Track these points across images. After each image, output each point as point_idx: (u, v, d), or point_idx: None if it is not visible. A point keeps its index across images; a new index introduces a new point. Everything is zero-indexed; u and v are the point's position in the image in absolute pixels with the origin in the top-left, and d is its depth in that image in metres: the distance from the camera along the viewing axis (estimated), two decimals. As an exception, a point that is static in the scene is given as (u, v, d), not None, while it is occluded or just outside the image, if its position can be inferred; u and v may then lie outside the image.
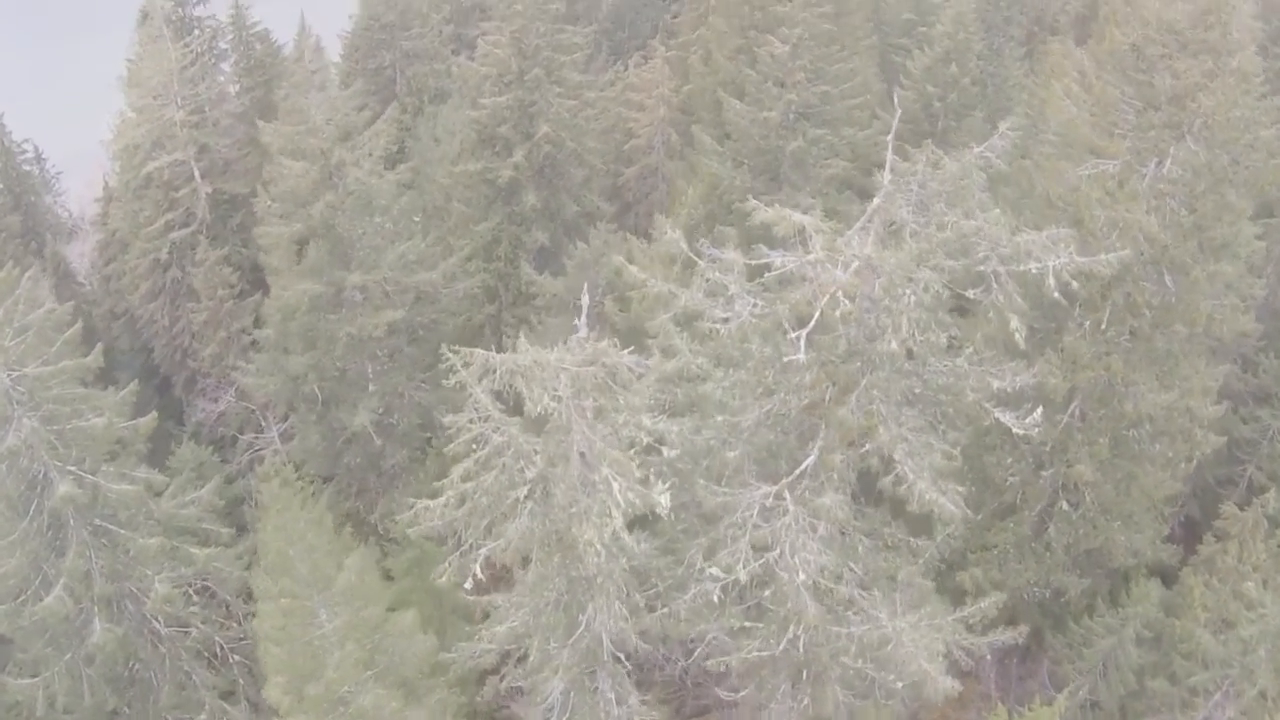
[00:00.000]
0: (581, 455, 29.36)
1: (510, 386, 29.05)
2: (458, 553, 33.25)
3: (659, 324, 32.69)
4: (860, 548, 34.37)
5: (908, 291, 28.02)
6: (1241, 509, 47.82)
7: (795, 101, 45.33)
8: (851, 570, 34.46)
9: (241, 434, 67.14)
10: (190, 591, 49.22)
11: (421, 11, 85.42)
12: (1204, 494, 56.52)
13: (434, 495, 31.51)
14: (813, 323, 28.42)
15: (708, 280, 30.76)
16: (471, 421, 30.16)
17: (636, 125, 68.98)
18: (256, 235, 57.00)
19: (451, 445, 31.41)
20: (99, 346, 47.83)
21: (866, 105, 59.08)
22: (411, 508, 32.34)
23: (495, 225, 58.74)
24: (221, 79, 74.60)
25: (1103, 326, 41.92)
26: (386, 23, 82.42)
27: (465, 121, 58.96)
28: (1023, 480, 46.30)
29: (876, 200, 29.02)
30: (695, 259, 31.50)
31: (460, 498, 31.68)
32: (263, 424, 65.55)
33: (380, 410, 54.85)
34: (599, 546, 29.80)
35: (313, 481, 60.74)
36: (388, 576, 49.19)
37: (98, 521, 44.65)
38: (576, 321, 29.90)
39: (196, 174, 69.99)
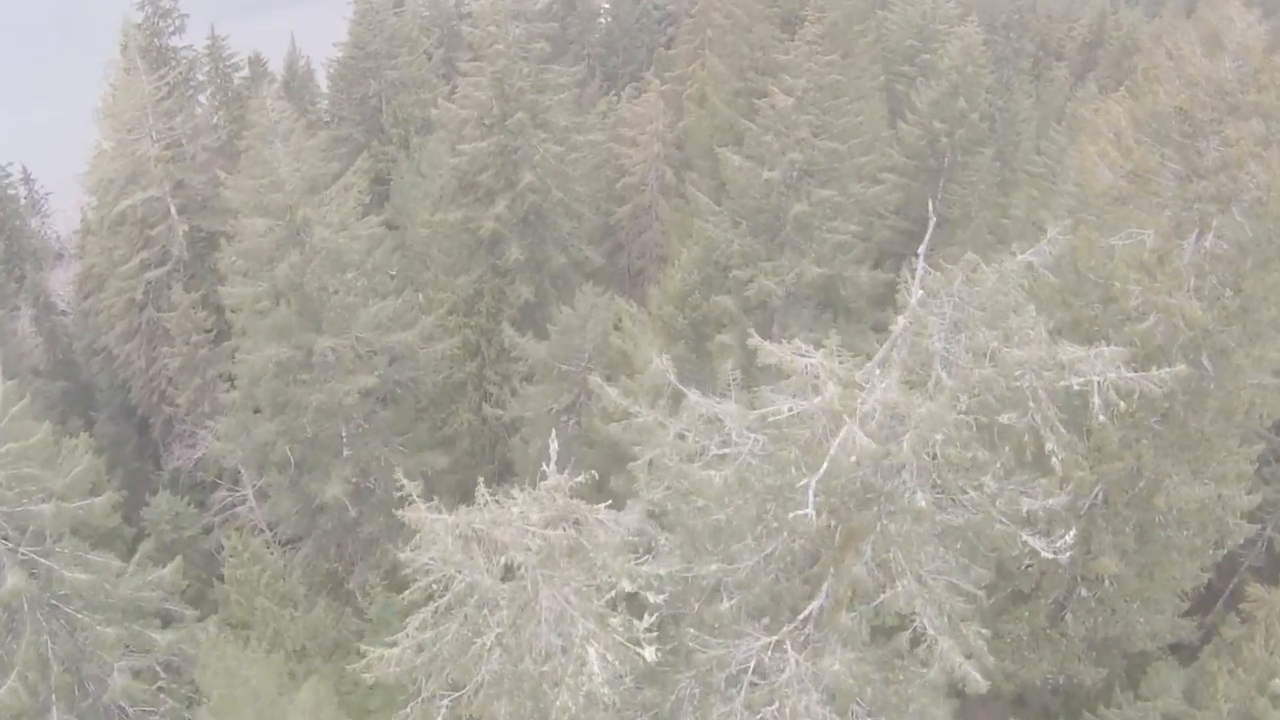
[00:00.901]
0: (552, 619, 24.21)
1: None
2: (419, 700, 28.23)
3: (640, 464, 27.22)
4: (870, 689, 29.08)
5: (939, 438, 22.71)
6: (1265, 586, 44.33)
7: (799, 161, 39.92)
8: (859, 706, 29.27)
9: (220, 480, 61.65)
10: (156, 668, 44.63)
11: (410, 37, 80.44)
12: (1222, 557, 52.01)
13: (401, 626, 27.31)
14: (824, 468, 23.03)
15: (701, 415, 25.29)
16: (432, 562, 25.19)
17: (629, 162, 63.59)
18: (220, 294, 51.62)
19: (408, 592, 26.28)
20: (46, 425, 44.61)
21: (876, 158, 53.30)
22: (364, 656, 27.51)
23: (477, 278, 53.44)
24: (199, 112, 68.95)
25: (1131, 411, 36.63)
26: (372, 51, 77.18)
27: (446, 167, 53.35)
28: (1040, 568, 41.19)
29: (900, 324, 23.60)
30: (684, 392, 26.01)
31: (418, 646, 26.60)
32: (241, 473, 60.31)
33: (354, 479, 49.44)
34: (574, 709, 24.78)
35: (286, 544, 56.11)
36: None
37: (53, 603, 40.54)
38: (545, 466, 24.54)
39: (173, 210, 65.38)
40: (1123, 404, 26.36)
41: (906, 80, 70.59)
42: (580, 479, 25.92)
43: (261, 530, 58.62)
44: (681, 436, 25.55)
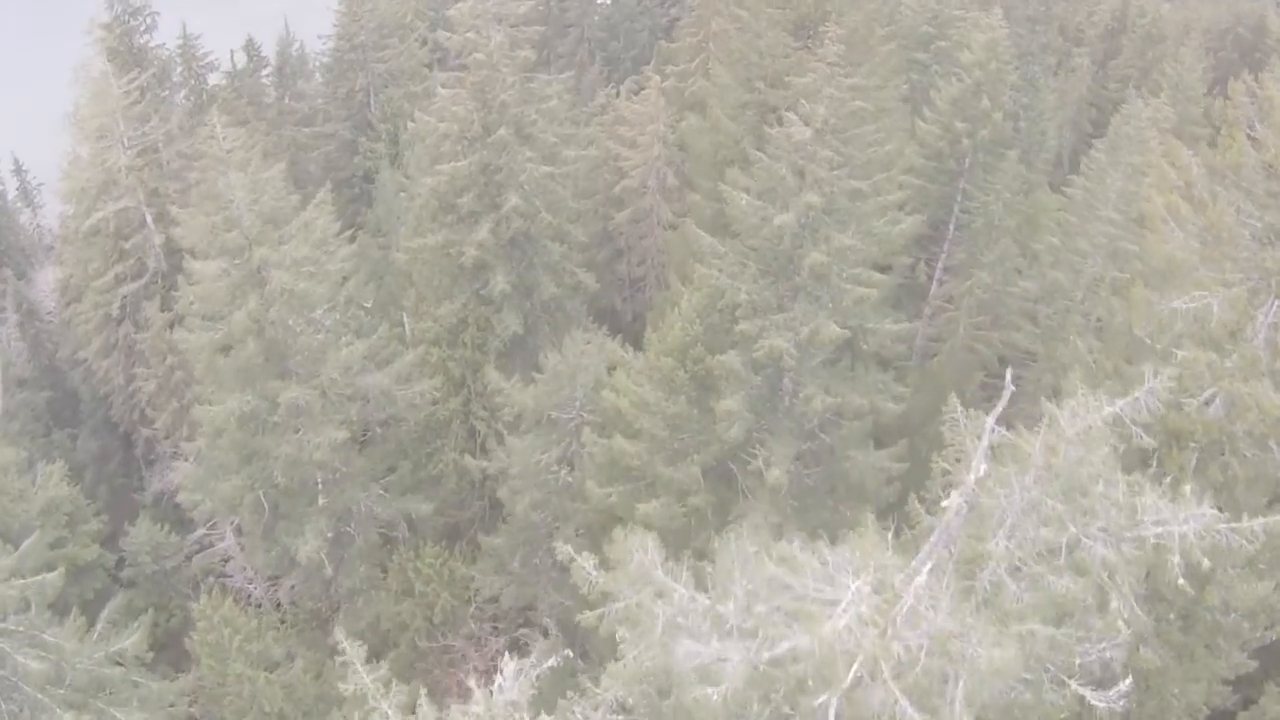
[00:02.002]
0: None
1: None
2: None
3: (620, 668, 20.81)
4: None
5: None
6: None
7: (817, 204, 33.26)
8: None
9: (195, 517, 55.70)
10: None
11: (402, 24, 73.69)
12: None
13: None
14: (847, 681, 16.74)
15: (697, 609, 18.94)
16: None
17: (628, 164, 56.86)
18: (177, 340, 45.49)
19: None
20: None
21: (896, 174, 46.38)
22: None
23: (461, 306, 46.99)
24: (174, 116, 62.25)
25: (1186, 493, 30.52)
26: (359, 43, 70.48)
27: (424, 187, 46.86)
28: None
29: (953, 507, 17.17)
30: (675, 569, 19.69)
31: None
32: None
33: (331, 532, 43.38)
34: None
35: (269, 580, 50.42)
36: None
37: (13, 679, 35.75)
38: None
39: (149, 219, 59.19)
40: (1207, 562, 20.44)
41: (921, 68, 63.58)
42: (552, 662, 20.10)
43: (243, 567, 52.92)
44: (672, 627, 19.12)
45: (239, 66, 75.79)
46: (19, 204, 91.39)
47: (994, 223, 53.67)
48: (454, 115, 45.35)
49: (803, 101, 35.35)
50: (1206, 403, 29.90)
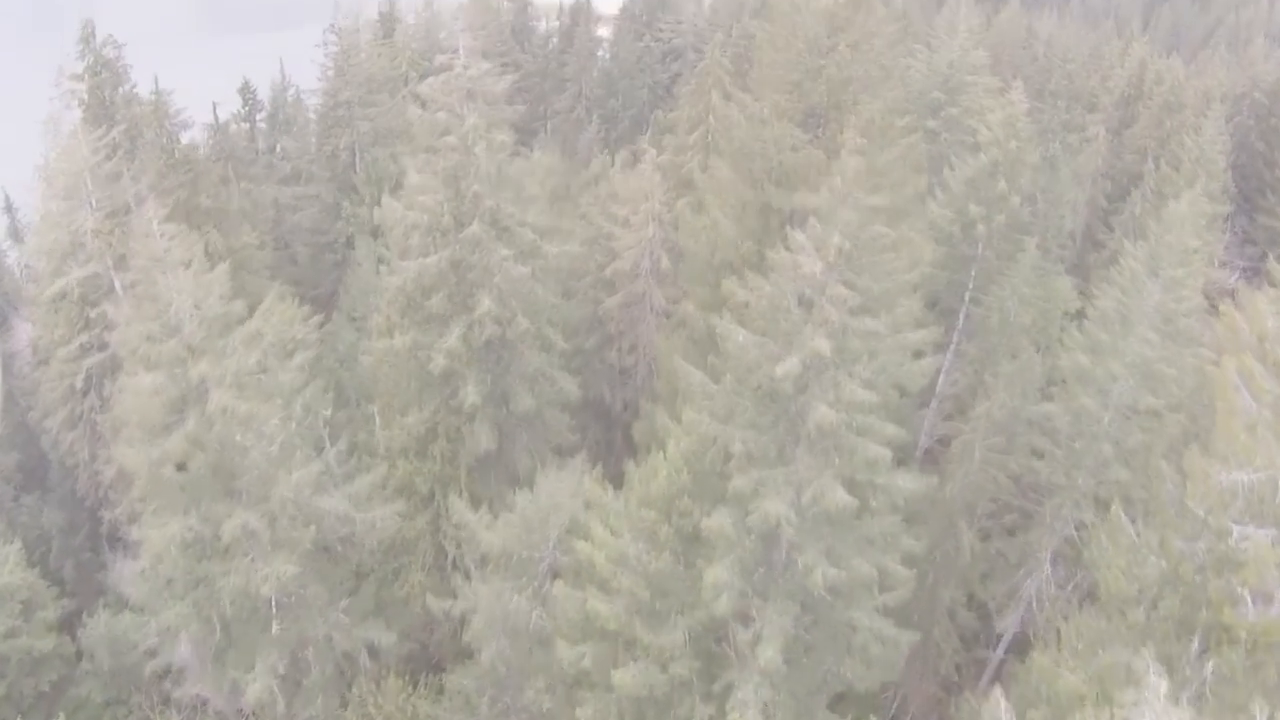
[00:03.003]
0: None
1: None
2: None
3: None
4: None
5: None
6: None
7: (825, 353, 27.16)
8: None
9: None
10: None
11: (392, 77, 67.90)
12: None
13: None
14: None
15: None
16: None
17: (620, 244, 50.91)
18: (115, 454, 39.89)
19: None
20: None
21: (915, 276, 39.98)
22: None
23: (430, 415, 41.06)
24: (144, 177, 56.34)
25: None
26: (344, 99, 64.48)
27: (390, 286, 40.83)
28: None
29: None
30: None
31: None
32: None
33: (284, 666, 37.68)
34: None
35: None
36: None
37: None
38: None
39: (117, 286, 53.20)
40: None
41: (930, 135, 57.71)
42: None
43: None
44: None
45: (221, 120, 70.61)
46: (8, 242, 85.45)
47: (1009, 319, 47.99)
48: (422, 205, 39.42)
49: (814, 221, 29.27)
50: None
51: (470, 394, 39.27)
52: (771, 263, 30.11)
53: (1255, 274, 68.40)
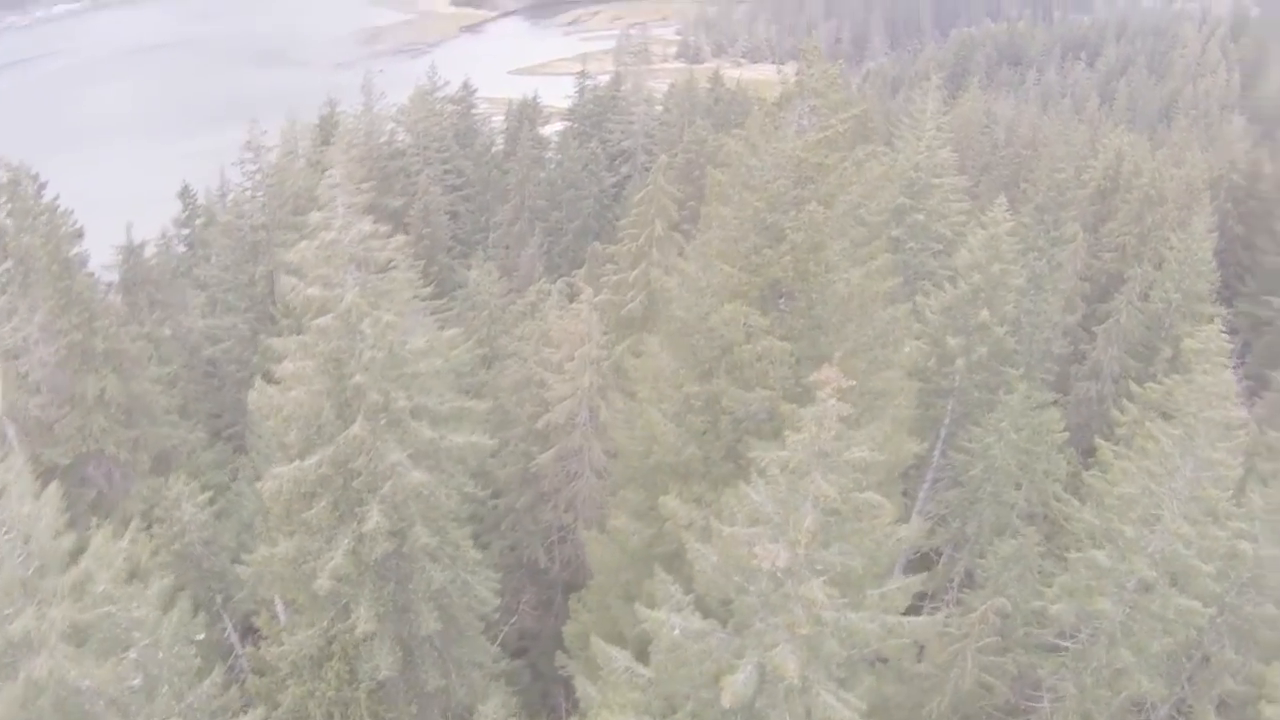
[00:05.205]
0: None
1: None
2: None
3: None
4: None
5: None
6: None
7: (793, 675, 18.36)
8: None
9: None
10: None
11: (318, 193, 58.88)
12: None
13: None
14: None
15: None
16: None
17: (554, 394, 42.07)
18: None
19: None
20: None
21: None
22: None
23: (323, 631, 32.19)
24: (37, 316, 47.36)
25: None
26: (257, 224, 55.53)
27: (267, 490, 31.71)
28: None
29: None
30: None
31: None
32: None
33: None
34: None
35: None
36: None
37: None
38: None
39: (11, 437, 45.59)
40: None
41: (894, 245, 49.16)
42: None
43: None
44: None
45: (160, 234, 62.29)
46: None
47: (995, 464, 39.37)
48: (296, 400, 30.50)
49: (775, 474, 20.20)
50: None
51: (363, 618, 30.41)
52: (715, 530, 21.03)
53: (1240, 364, 60.81)
